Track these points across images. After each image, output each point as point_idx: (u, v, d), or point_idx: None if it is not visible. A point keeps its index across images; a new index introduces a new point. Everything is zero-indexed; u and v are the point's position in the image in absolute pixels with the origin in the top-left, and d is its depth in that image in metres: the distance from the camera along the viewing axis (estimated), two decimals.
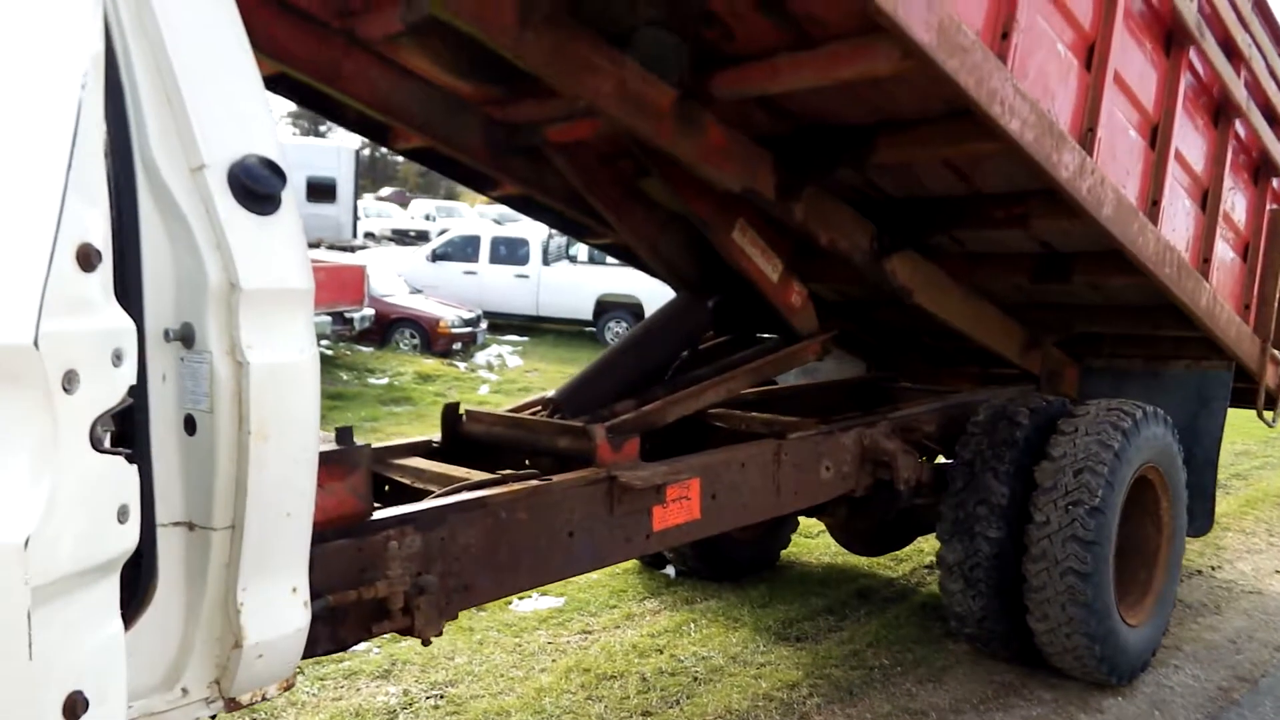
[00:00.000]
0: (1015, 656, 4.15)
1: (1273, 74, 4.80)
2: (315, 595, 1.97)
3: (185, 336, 1.60)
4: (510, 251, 17.42)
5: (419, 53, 3.30)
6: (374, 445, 3.08)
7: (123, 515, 1.31)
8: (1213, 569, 5.74)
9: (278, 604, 1.74)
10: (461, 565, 2.65)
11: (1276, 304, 5.00)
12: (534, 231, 18.13)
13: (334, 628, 2.36)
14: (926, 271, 4.33)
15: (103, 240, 1.29)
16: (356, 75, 3.34)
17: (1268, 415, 5.22)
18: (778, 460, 3.61)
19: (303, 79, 3.28)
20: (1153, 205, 3.99)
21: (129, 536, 1.34)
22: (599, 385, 3.79)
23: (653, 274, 5.16)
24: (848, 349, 5.83)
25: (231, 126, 1.66)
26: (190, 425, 1.61)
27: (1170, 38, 4.00)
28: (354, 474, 2.45)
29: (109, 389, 1.27)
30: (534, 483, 2.88)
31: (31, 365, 1.16)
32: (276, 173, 1.69)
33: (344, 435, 2.53)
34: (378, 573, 2.44)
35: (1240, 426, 9.67)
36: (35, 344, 1.15)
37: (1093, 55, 3.54)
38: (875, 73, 2.94)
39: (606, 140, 3.73)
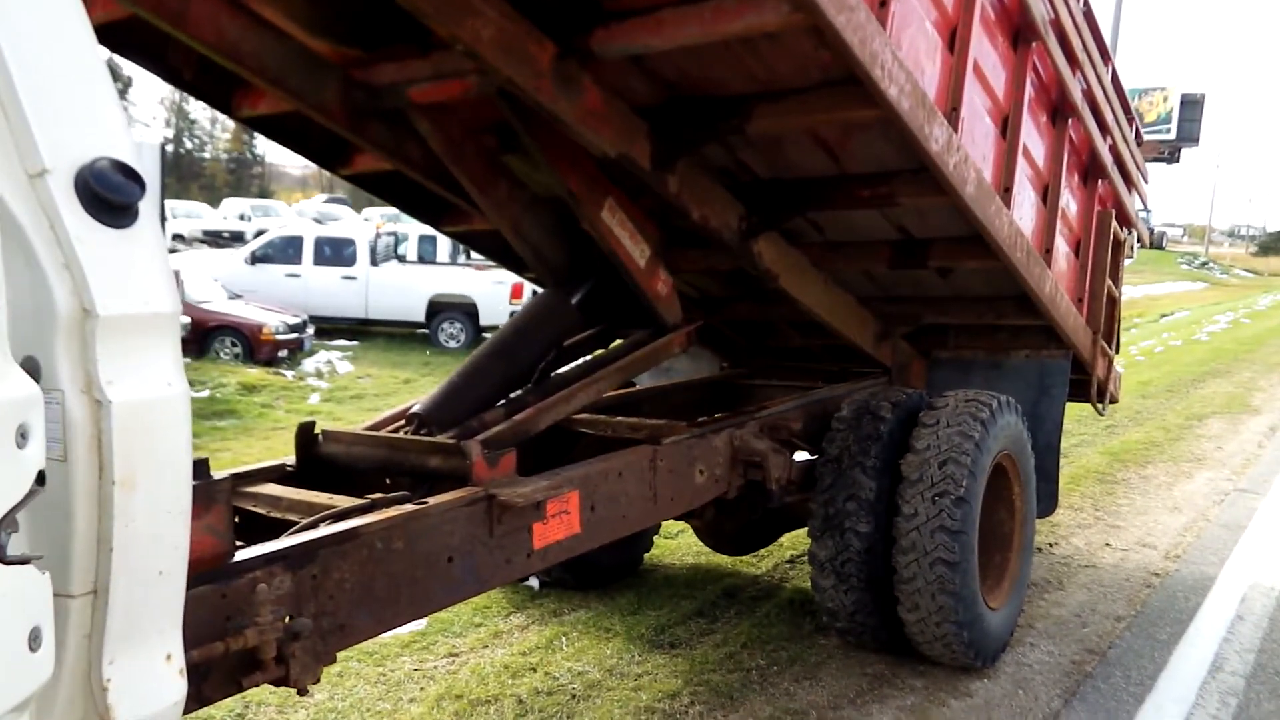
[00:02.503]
0: (885, 647, 4.22)
1: (1100, 82, 5.09)
2: None
3: (29, 372, 1.34)
4: (336, 252, 16.71)
5: (278, 4, 3.09)
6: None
7: (34, 641, 1.08)
8: (1050, 546, 6.04)
9: (151, 676, 1.50)
10: (336, 604, 2.43)
11: (1104, 300, 5.31)
12: (360, 231, 17.51)
13: (198, 685, 2.09)
14: (791, 257, 4.37)
15: None
16: (204, 19, 3.07)
17: (1099, 405, 5.54)
18: (654, 466, 3.52)
19: (147, 19, 3.01)
20: (1005, 191, 4.13)
21: (45, 664, 1.10)
22: (465, 395, 3.59)
23: (515, 263, 4.99)
24: (705, 345, 5.84)
25: (78, 125, 1.42)
26: (39, 477, 1.36)
27: (1018, 33, 4.16)
28: (212, 510, 2.19)
29: (13, 479, 1.03)
30: (409, 508, 2.68)
31: None
32: (134, 178, 1.45)
33: (199, 468, 2.28)
34: (245, 620, 2.19)
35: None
36: None
37: (955, 38, 3.63)
38: (763, 26, 2.88)
39: (472, 111, 3.57)
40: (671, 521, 5.52)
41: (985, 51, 3.92)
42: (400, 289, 16.26)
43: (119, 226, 1.45)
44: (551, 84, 3.12)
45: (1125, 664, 4.33)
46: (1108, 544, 6.12)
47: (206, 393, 10.90)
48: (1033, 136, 4.48)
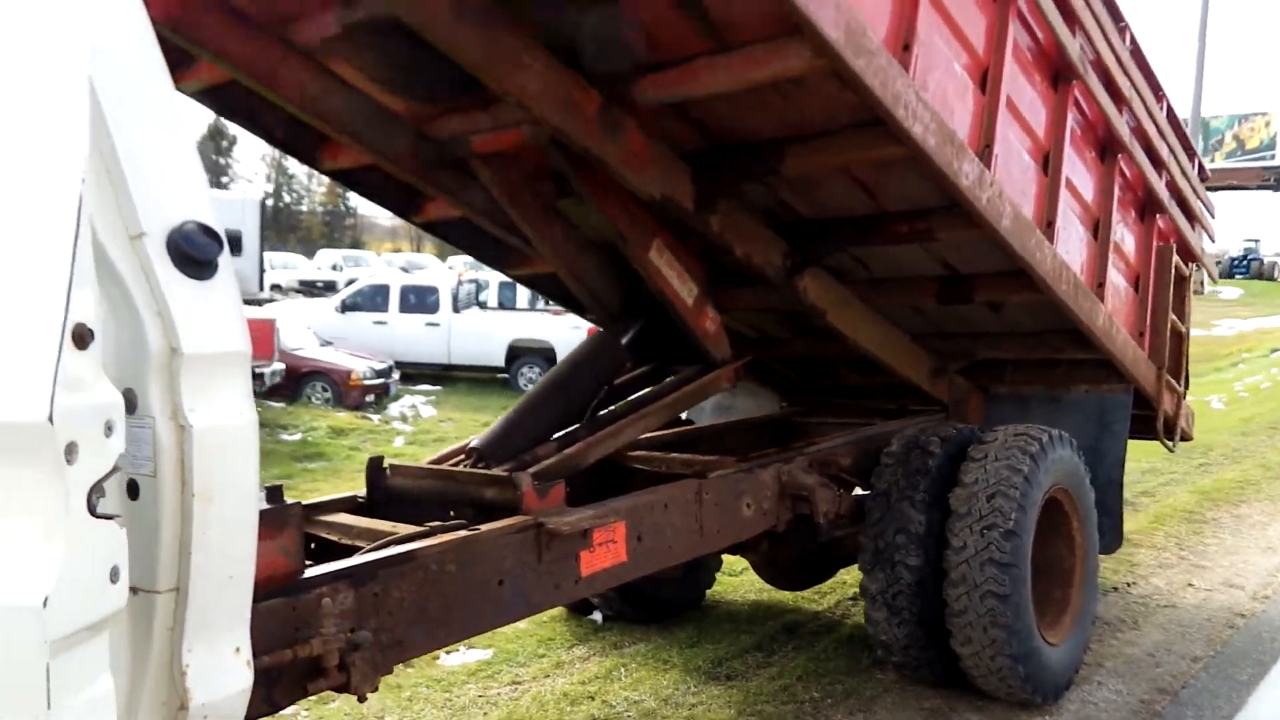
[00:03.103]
0: (941, 681, 4.27)
1: (1153, 119, 5.15)
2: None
3: (128, 402, 1.60)
4: (420, 300, 17.31)
5: (353, 62, 3.47)
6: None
7: (114, 576, 1.36)
8: (1128, 585, 5.98)
9: (222, 665, 1.73)
10: (394, 620, 2.65)
11: (1168, 334, 5.31)
12: (444, 279, 18.08)
13: (268, 689, 2.32)
14: (838, 293, 4.49)
15: (93, 318, 1.31)
16: (290, 79, 3.46)
17: (1168, 442, 5.52)
18: (699, 499, 3.68)
19: (240, 81, 3.44)
20: (1048, 225, 4.23)
21: (120, 595, 1.38)
22: (520, 431, 3.82)
23: (576, 305, 5.23)
24: (764, 384, 5.99)
25: (169, 194, 1.68)
26: (133, 490, 1.61)
27: (1058, 73, 4.28)
28: (285, 533, 2.44)
29: (102, 458, 1.32)
30: (463, 534, 2.90)
31: (45, 439, 1.24)
32: (214, 238, 1.71)
33: (274, 494, 2.53)
34: (312, 631, 2.42)
35: (1145, 445, 10.14)
36: (50, 420, 1.25)
37: (986, 79, 3.77)
38: (789, 72, 3.09)
39: (530, 158, 3.83)
40: (736, 558, 5.66)
41: (1021, 90, 4.04)
42: (481, 335, 16.73)
43: (201, 279, 1.71)
44: (597, 130, 3.37)
45: (1198, 704, 4.27)
46: (1190, 584, 6.02)
47: (298, 436, 11.38)
48: (1078, 172, 4.57)
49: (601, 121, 3.38)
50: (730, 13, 3.08)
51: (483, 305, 17.75)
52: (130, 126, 1.65)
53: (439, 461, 3.80)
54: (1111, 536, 4.90)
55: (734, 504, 3.86)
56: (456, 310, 16.95)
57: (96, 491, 1.31)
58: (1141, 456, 9.67)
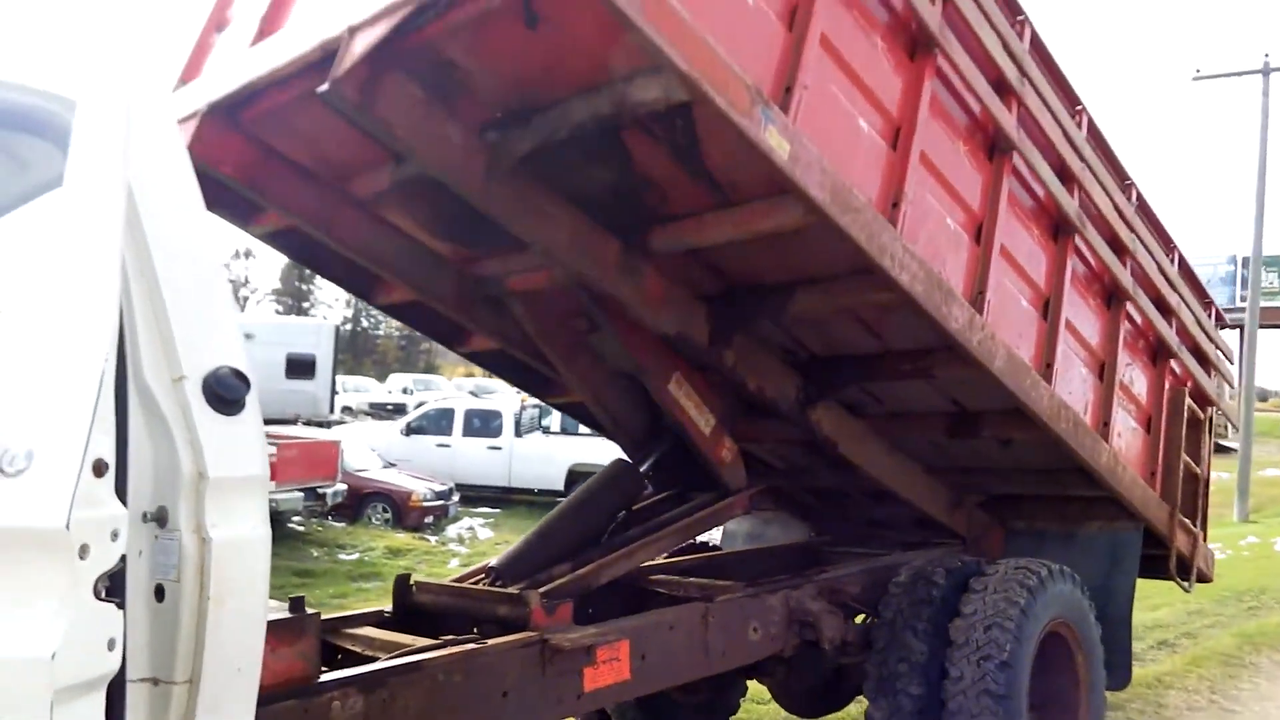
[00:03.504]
0: None
1: (1161, 269, 5.40)
2: None
3: (160, 518, 1.93)
4: (484, 424, 17.83)
5: (402, 212, 3.91)
6: (329, 615, 3.36)
7: (111, 645, 1.67)
8: None
9: None
10: None
11: (1180, 476, 5.42)
12: (507, 404, 18.59)
13: None
14: (851, 425, 4.70)
15: (110, 454, 1.68)
16: (347, 226, 3.92)
17: (1184, 583, 5.56)
18: (705, 622, 3.88)
19: (303, 228, 3.92)
20: (1046, 367, 4.45)
21: (114, 660, 1.69)
22: (537, 552, 4.09)
23: (600, 428, 5.54)
24: (793, 514, 6.18)
25: (207, 342, 2.05)
26: (159, 593, 1.93)
27: (1057, 226, 4.57)
28: (303, 639, 2.74)
29: (108, 556, 1.66)
30: (469, 646, 3.16)
31: (63, 540, 1.59)
32: (243, 380, 2.07)
33: (296, 604, 2.83)
34: None
35: (1198, 588, 9.93)
36: (67, 527, 1.61)
37: (981, 232, 4.07)
38: (784, 226, 3.42)
39: (560, 295, 4.18)
40: (764, 689, 5.76)
41: (1018, 242, 4.33)
42: (541, 459, 17.12)
43: (230, 415, 2.06)
44: (616, 274, 3.73)
45: None
46: None
47: (356, 555, 11.75)
48: (1082, 318, 4.80)
49: (621, 266, 3.76)
50: (733, 175, 3.45)
51: (545, 430, 18.16)
52: (178, 285, 2.04)
53: (463, 580, 4.08)
54: (1121, 673, 4.94)
55: (740, 627, 4.05)
56: (519, 434, 17.42)
57: (100, 581, 1.65)
58: (1189, 598, 9.50)
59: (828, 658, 4.25)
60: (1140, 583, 5.63)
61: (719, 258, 4.01)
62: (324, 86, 2.81)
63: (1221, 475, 23.39)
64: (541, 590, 3.59)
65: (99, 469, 1.70)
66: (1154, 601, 8.90)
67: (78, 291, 1.74)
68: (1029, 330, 4.45)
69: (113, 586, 1.72)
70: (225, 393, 2.05)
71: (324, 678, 2.80)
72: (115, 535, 1.72)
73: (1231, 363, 6.25)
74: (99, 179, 1.85)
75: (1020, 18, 4.41)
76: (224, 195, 3.71)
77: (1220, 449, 28.07)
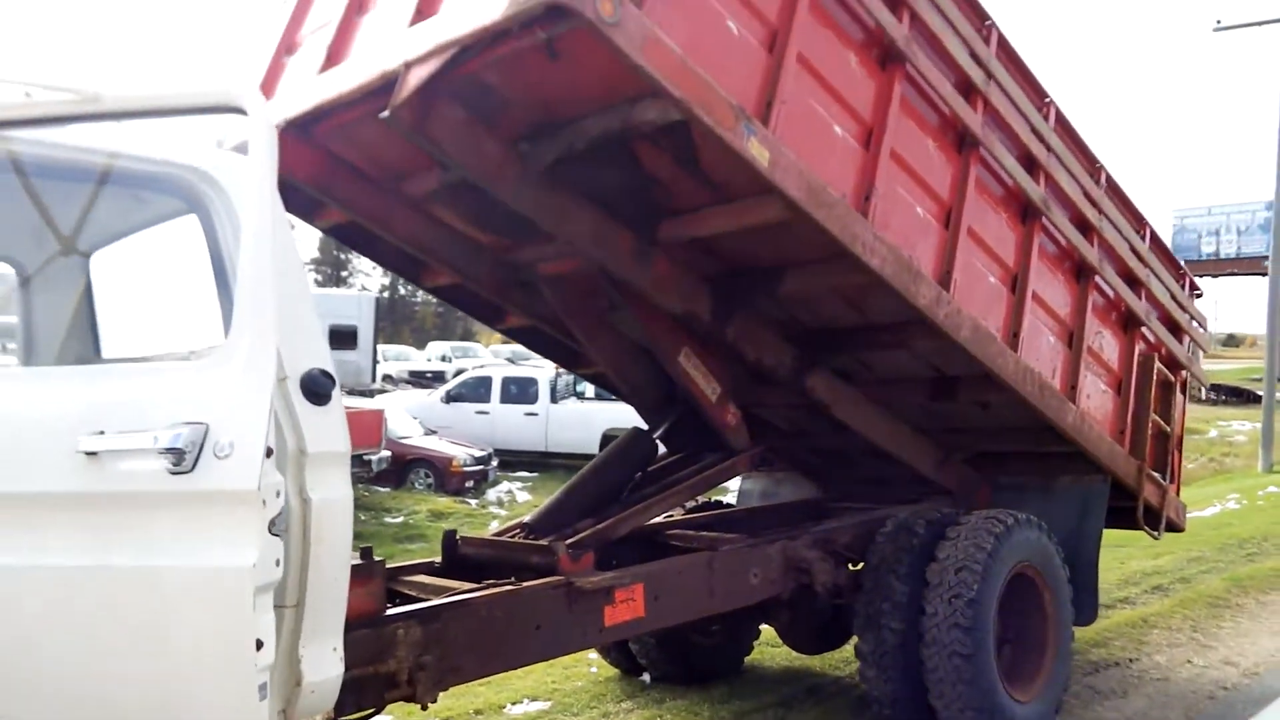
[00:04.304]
0: None
1: (1132, 247, 5.89)
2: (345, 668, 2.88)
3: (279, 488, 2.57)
4: (521, 390, 18.48)
5: (448, 209, 4.59)
6: (390, 565, 4.02)
7: (278, 563, 2.34)
8: (1130, 660, 6.46)
9: (324, 658, 2.66)
10: (452, 650, 3.54)
11: (1149, 433, 5.94)
12: (543, 372, 19.23)
13: (357, 694, 3.24)
14: (843, 390, 5.28)
15: (273, 441, 2.33)
16: (400, 221, 4.64)
17: (1152, 531, 6.10)
18: (711, 568, 4.51)
19: (363, 225, 4.60)
20: (1014, 336, 4.99)
21: (280, 572, 2.34)
22: (564, 510, 4.74)
23: (622, 395, 6.17)
24: (803, 473, 6.78)
25: (305, 347, 2.68)
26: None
27: (1025, 210, 5.09)
28: (372, 582, 3.38)
29: (275, 506, 2.32)
30: (508, 588, 3.80)
31: (254, 498, 2.26)
32: (330, 378, 2.69)
33: (365, 554, 3.48)
34: (389, 654, 3.34)
35: (1197, 533, 10.41)
36: (258, 489, 2.30)
37: (950, 218, 4.61)
38: (769, 219, 4.03)
39: (584, 279, 4.81)
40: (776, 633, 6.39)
41: (987, 226, 4.86)
42: (577, 423, 17.75)
43: (320, 405, 2.69)
44: (630, 261, 4.35)
45: None
46: (1189, 661, 6.48)
47: (401, 519, 12.50)
48: (1050, 291, 5.32)
49: (634, 254, 4.36)
50: (725, 177, 4.04)
51: (580, 396, 18.77)
52: (286, 297, 2.65)
53: (500, 534, 4.73)
54: (1088, 611, 5.50)
55: (742, 573, 4.66)
56: (554, 401, 18.06)
57: (273, 523, 2.31)
58: (1191, 545, 10.01)
59: (820, 600, 4.85)
60: (1140, 535, 6.21)
61: (718, 245, 4.60)
62: (385, 113, 3.43)
63: (1248, 426, 23.62)
64: (568, 541, 4.22)
65: (269, 452, 2.36)
66: (1155, 550, 9.39)
67: (259, 312, 2.40)
68: (997, 304, 4.98)
69: (275, 527, 2.37)
70: (317, 388, 2.68)
71: (389, 612, 3.45)
72: (278, 493, 2.39)
73: (1204, 329, 6.72)
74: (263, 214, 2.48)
75: (988, 23, 4.91)
76: (292, 195, 4.33)
77: (1252, 398, 27.97)
